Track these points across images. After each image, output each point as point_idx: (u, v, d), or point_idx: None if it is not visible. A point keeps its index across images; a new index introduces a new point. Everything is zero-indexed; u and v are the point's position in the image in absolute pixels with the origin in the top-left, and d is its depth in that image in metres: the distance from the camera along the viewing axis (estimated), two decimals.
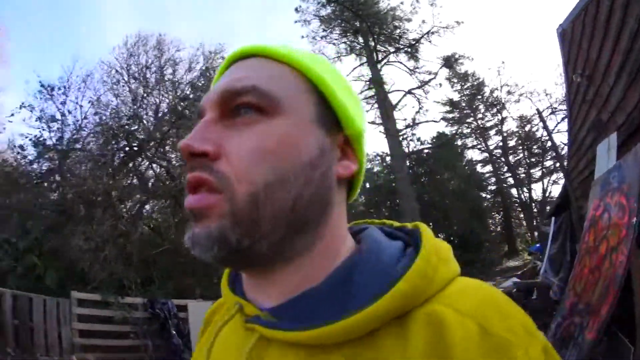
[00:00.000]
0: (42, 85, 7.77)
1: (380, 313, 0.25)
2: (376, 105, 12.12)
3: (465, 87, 18.13)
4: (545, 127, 6.65)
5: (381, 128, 11.51)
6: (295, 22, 12.54)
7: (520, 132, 16.40)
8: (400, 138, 11.96)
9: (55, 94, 7.95)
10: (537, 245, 7.48)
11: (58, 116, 7.83)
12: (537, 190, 16.02)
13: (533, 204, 15.13)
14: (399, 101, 12.18)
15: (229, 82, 0.29)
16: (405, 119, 12.59)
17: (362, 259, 0.29)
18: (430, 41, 12.35)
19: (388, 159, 13.04)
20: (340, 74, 0.34)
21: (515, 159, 17.51)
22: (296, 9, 12.53)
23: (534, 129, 15.60)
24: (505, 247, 15.97)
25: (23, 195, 6.19)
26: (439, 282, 0.27)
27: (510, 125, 17.71)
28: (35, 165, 6.96)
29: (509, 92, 16.02)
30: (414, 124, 12.47)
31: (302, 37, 12.86)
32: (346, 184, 0.34)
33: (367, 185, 14.20)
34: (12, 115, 7.07)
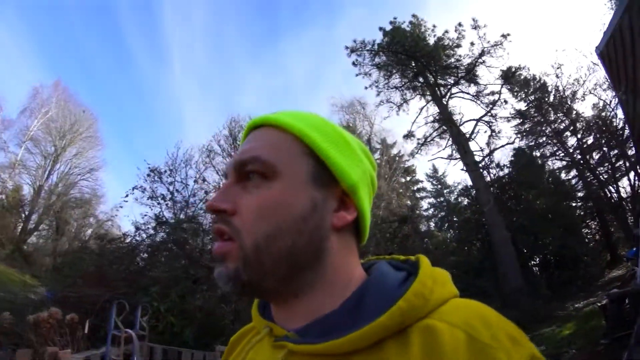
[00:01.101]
0: (151, 170, 9.26)
1: (383, 326, 0.33)
2: (450, 142, 12.40)
3: (530, 93, 17.47)
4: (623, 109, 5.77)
5: (460, 163, 11.76)
6: (357, 75, 13.53)
7: (594, 124, 15.15)
8: (480, 169, 12.03)
9: (164, 176, 9.45)
10: (633, 249, 7.13)
11: (167, 194, 9.30)
12: (626, 188, 14.60)
13: (623, 203, 13.80)
14: (472, 132, 12.53)
15: (241, 154, 0.41)
16: (481, 149, 12.69)
17: (371, 286, 0.38)
18: (484, 62, 12.49)
19: (472, 191, 13.10)
20: (337, 130, 0.43)
21: (598, 155, 16.21)
22: (353, 63, 13.59)
23: (608, 118, 14.36)
24: (608, 257, 14.72)
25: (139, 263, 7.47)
26: (435, 301, 0.35)
27: (584, 123, 16.52)
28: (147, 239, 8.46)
29: (573, 93, 15.15)
30: (490, 153, 12.51)
31: (366, 88, 13.78)
32: (351, 229, 0.42)
33: (455, 219, 14.40)
34: (127, 196, 8.89)
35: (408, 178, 19.99)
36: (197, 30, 42.66)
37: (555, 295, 10.61)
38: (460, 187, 16.77)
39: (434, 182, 20.57)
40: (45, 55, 38.54)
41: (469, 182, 13.55)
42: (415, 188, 20.47)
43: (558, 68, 16.24)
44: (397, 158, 17.12)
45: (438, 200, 20.21)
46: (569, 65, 26.91)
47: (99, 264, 6.19)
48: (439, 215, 18.45)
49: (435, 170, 20.02)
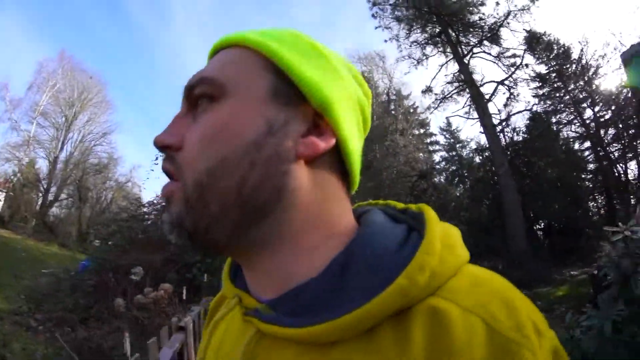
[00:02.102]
0: None
1: (377, 311, 0.26)
2: (469, 101, 12.38)
3: (552, 56, 16.99)
4: None
5: (475, 122, 11.83)
6: (376, 28, 13.17)
7: (614, 101, 15.06)
8: (497, 132, 12.13)
9: None
10: None
11: None
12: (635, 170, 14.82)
13: (630, 183, 14.14)
14: (492, 94, 12.37)
15: (189, 79, 0.34)
16: (499, 111, 12.68)
17: (360, 247, 0.30)
18: (508, 24, 12.24)
19: (487, 151, 13.30)
20: (312, 42, 0.35)
21: (613, 132, 16.20)
22: (373, 15, 13.20)
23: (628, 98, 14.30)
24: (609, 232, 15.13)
25: None
26: (444, 275, 0.28)
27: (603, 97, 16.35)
28: None
29: (597, 66, 14.89)
30: (508, 117, 12.57)
31: (385, 41, 13.49)
32: (331, 164, 0.33)
33: (466, 174, 14.72)
34: (157, 158, 8.73)
35: (422, 130, 19.97)
36: None
37: (555, 261, 11.19)
38: (473, 143, 17.12)
39: (447, 136, 20.39)
40: (45, 28, 37.83)
41: (483, 140, 13.71)
42: (428, 141, 20.42)
43: (585, 44, 15.81)
44: (411, 110, 17.12)
45: (450, 154, 20.04)
46: (596, 41, 26.14)
47: (144, 229, 6.41)
48: (451, 169, 18.46)
49: (449, 124, 19.71)
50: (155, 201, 8.09)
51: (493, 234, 11.79)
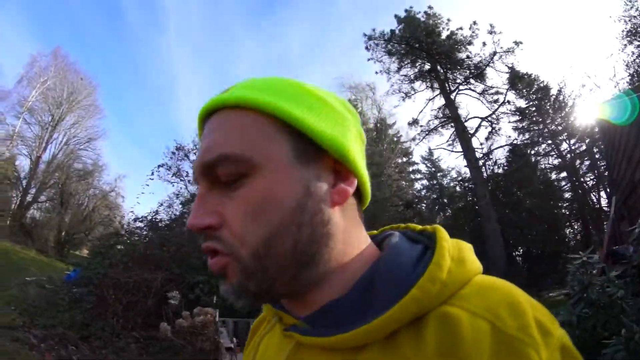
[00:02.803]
0: (177, 148, 9.55)
1: (395, 318, 0.30)
2: (454, 135, 13.24)
3: (532, 92, 18.27)
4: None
5: (456, 153, 12.67)
6: (368, 60, 14.06)
7: (588, 134, 16.27)
8: (480, 165, 13.01)
9: (191, 154, 9.72)
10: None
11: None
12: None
13: (603, 210, 15.22)
14: (476, 130, 13.32)
15: (202, 155, 0.34)
16: (482, 145, 13.58)
17: (382, 267, 0.34)
18: (494, 64, 13.27)
19: (469, 183, 14.10)
20: (308, 89, 0.37)
21: (588, 162, 17.37)
22: (366, 48, 14.05)
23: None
24: None
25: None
26: (454, 285, 0.31)
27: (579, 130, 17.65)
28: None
29: (573, 102, 16.22)
30: (490, 152, 13.47)
31: (376, 72, 14.35)
32: (353, 197, 0.37)
33: (446, 201, 15.38)
34: (152, 173, 9.41)
35: (405, 159, 20.73)
36: None
37: (534, 284, 11.85)
38: (454, 172, 18.19)
39: (428, 165, 21.36)
40: (41, 23, 36.84)
41: (464, 170, 14.54)
42: (410, 169, 21.19)
43: (562, 85, 17.18)
44: (394, 139, 17.89)
45: (431, 182, 21.09)
46: (573, 82, 28.51)
47: (147, 246, 6.36)
48: (431, 198, 19.50)
49: (431, 153, 20.66)
50: (149, 217, 8.14)
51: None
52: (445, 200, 18.17)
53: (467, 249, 0.35)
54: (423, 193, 19.99)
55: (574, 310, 2.54)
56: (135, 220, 8.04)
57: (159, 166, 9.17)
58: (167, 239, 6.51)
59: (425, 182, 21.14)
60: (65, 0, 35.55)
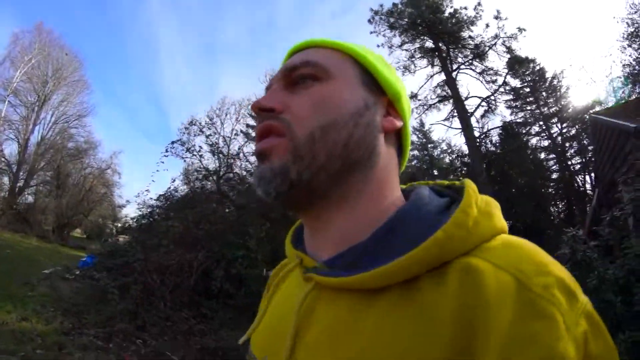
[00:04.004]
0: (190, 122, 9.50)
1: (417, 259, 0.30)
2: (453, 111, 13.70)
3: (527, 73, 18.63)
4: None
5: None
6: (371, 32, 14.06)
7: (579, 119, 17.08)
8: (477, 144, 13.60)
9: (205, 129, 9.66)
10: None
11: (205, 147, 9.61)
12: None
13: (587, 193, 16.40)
14: (476, 109, 13.75)
15: (288, 62, 0.41)
16: (478, 122, 14.13)
17: (406, 212, 0.35)
18: (495, 50, 13.56)
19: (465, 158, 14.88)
20: (379, 55, 0.44)
21: (577, 146, 18.31)
22: (369, 21, 14.00)
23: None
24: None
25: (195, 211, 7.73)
26: (479, 235, 0.31)
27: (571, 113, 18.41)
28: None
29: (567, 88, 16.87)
30: (488, 131, 14.04)
31: (378, 45, 14.39)
32: (394, 142, 0.42)
33: (435, 173, 16.21)
34: (167, 151, 8.90)
35: None
36: None
37: None
38: (444, 144, 18.87)
39: (419, 136, 21.86)
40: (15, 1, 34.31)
41: (455, 143, 15.00)
42: None
43: (561, 75, 17.29)
44: None
45: (422, 153, 21.69)
46: (570, 72, 29.20)
47: (184, 225, 6.12)
48: (422, 168, 20.05)
49: (422, 124, 21.12)
50: (168, 194, 7.95)
51: None
52: (435, 172, 18.82)
53: (496, 206, 0.36)
54: (414, 163, 20.46)
55: (567, 266, 3.61)
56: (158, 197, 7.94)
57: (172, 142, 9.06)
58: (204, 216, 6.42)
59: (416, 152, 21.70)
60: None
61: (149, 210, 8.02)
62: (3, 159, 20.78)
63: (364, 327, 0.31)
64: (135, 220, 8.47)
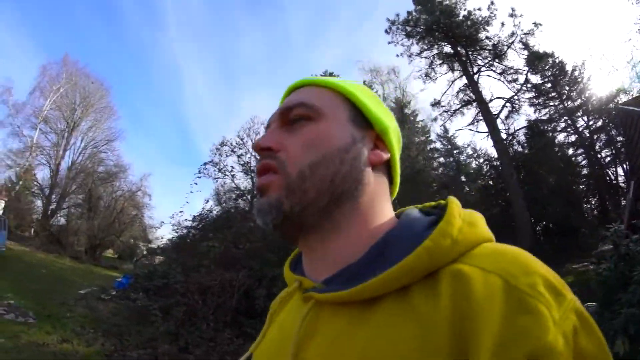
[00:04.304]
0: (222, 144, 9.59)
1: (408, 267, 0.32)
2: (479, 115, 13.43)
3: (547, 68, 18.13)
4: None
5: (489, 140, 12.95)
6: (389, 43, 14.10)
7: (605, 109, 16.36)
8: (506, 145, 13.27)
9: (237, 149, 9.74)
10: None
11: (237, 167, 9.59)
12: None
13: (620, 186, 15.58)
14: (500, 111, 13.43)
15: (285, 102, 0.46)
16: (505, 124, 13.79)
17: (397, 231, 0.38)
18: (514, 49, 13.40)
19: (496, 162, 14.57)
20: (367, 89, 0.49)
21: (605, 138, 17.51)
22: (386, 31, 14.05)
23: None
24: (604, 232, 16.62)
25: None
26: (465, 243, 0.33)
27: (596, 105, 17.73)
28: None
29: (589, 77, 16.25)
30: (515, 132, 13.76)
31: (397, 55, 14.36)
32: (384, 171, 0.46)
33: (463, 179, 15.93)
34: (200, 172, 9.14)
35: (422, 138, 20.84)
36: None
37: (556, 256, 12.44)
38: (469, 149, 18.53)
39: (444, 142, 21.46)
40: (41, 36, 37.34)
41: (481, 147, 14.67)
42: (429, 148, 21.18)
43: (582, 67, 16.90)
44: (411, 118, 18.18)
45: (448, 160, 21.19)
46: (591, 62, 28.37)
47: (224, 245, 6.22)
48: (450, 174, 19.64)
49: (446, 130, 20.72)
50: (203, 214, 8.06)
51: (504, 235, 12.91)
52: (463, 178, 18.53)
53: (479, 216, 0.38)
54: (440, 170, 20.12)
55: (611, 261, 3.53)
56: (193, 219, 8.08)
57: (205, 163, 9.30)
58: (242, 235, 6.49)
59: (442, 159, 21.33)
60: (64, 10, 35.94)
61: (184, 231, 8.18)
62: (36, 183, 22.16)
63: (362, 337, 0.32)
64: (172, 240, 8.60)
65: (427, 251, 0.32)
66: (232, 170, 9.38)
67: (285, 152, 0.41)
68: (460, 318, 0.29)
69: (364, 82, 17.17)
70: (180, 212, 9.71)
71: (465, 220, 0.35)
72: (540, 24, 14.11)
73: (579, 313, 0.29)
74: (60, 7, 35.93)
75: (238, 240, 6.43)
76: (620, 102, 15.68)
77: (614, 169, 17.12)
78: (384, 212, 0.42)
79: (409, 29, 14.73)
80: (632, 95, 14.96)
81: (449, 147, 21.41)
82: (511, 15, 13.98)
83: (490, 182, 16.11)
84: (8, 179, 21.01)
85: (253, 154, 10.41)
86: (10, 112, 21.40)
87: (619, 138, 15.97)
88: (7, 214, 16.20)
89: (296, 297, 0.43)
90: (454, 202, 0.38)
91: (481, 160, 17.75)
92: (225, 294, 5.52)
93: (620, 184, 16.07)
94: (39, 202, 22.67)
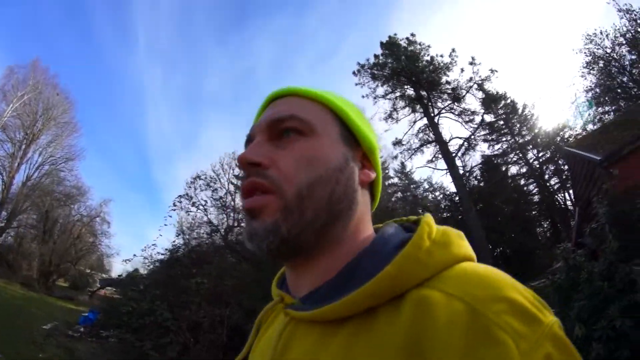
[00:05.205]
0: (196, 177, 9.92)
1: (369, 293, 0.33)
2: (437, 153, 14.97)
3: (500, 107, 20.36)
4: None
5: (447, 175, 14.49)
6: (356, 84, 15.56)
7: (552, 142, 18.70)
8: (463, 181, 14.88)
9: (212, 184, 10.11)
10: None
11: (210, 202, 9.93)
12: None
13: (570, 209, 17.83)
14: (458, 150, 15.10)
15: (275, 113, 0.43)
16: (461, 161, 15.59)
17: (370, 249, 0.39)
18: (472, 94, 16.32)
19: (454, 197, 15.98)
20: (354, 105, 0.48)
21: (553, 167, 19.82)
22: (354, 73, 15.42)
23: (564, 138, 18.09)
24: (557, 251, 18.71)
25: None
26: (433, 265, 0.33)
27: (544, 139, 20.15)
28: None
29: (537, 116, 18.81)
30: (471, 169, 15.55)
31: (363, 96, 15.87)
32: (368, 189, 0.46)
33: (420, 212, 17.45)
34: (175, 204, 9.32)
35: (382, 174, 21.70)
36: (163, 11, 42.62)
37: (515, 279, 13.88)
38: (425, 183, 20.46)
39: (402, 178, 22.87)
40: (10, 40, 35.23)
41: (437, 180, 16.47)
42: (387, 183, 22.60)
43: (531, 107, 19.43)
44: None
45: (405, 194, 22.49)
46: (540, 103, 32.17)
47: (211, 282, 6.28)
48: (406, 209, 20.86)
49: (403, 166, 22.08)
50: (177, 245, 8.14)
51: None
52: (420, 211, 19.50)
53: (456, 235, 0.37)
54: (398, 205, 21.38)
55: (563, 271, 4.66)
56: (172, 251, 8.19)
57: (180, 196, 9.47)
58: (224, 270, 6.68)
59: (400, 194, 22.71)
60: (37, 18, 34.44)
61: (157, 264, 8.22)
62: None
63: (325, 356, 0.33)
64: (145, 274, 8.60)
65: (389, 276, 0.32)
66: (205, 205, 9.60)
67: (277, 169, 0.40)
68: (418, 344, 0.28)
69: None
70: (153, 244, 9.70)
71: (436, 242, 0.35)
72: (496, 70, 16.20)
73: (556, 338, 0.27)
74: (33, 10, 34.54)
75: (224, 275, 6.58)
76: (565, 136, 18.32)
77: (562, 195, 19.42)
78: (367, 229, 0.44)
79: (375, 72, 16.20)
80: (575, 131, 17.54)
81: (406, 182, 23.09)
82: (471, 64, 15.96)
83: (449, 214, 17.60)
84: None
85: (228, 189, 10.65)
86: None
87: (566, 167, 18.27)
88: None
89: (279, 311, 0.44)
90: (425, 222, 0.37)
91: (437, 193, 19.55)
92: (216, 331, 5.64)
93: (569, 207, 18.24)
94: None
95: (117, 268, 27.09)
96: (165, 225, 9.12)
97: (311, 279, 0.40)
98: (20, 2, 34.00)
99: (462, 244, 0.37)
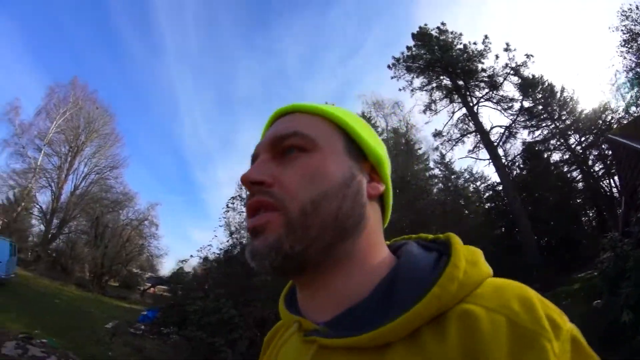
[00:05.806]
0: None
1: (418, 315, 0.33)
2: (479, 143, 14.56)
3: (537, 91, 19.53)
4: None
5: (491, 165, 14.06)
6: (392, 77, 15.32)
7: (595, 125, 17.71)
8: (507, 170, 14.42)
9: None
10: None
11: None
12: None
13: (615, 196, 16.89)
14: (500, 139, 14.69)
15: (277, 131, 0.43)
16: (504, 150, 15.01)
17: (402, 271, 0.38)
18: (509, 80, 15.68)
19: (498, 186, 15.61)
20: (359, 118, 0.48)
21: (597, 152, 18.81)
22: (389, 66, 15.25)
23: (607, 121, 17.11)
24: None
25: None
26: (470, 284, 0.35)
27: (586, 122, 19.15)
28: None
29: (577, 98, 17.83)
30: (514, 158, 15.00)
31: (400, 89, 15.56)
32: (378, 203, 0.45)
33: (462, 203, 17.19)
34: (227, 206, 9.79)
35: (421, 166, 21.80)
36: (188, 19, 43.61)
37: (562, 269, 13.43)
38: (466, 173, 19.76)
39: (441, 169, 22.26)
40: (35, 58, 37.69)
41: (477, 169, 15.78)
42: (427, 175, 21.98)
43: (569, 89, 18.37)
44: (415, 147, 19.09)
45: (446, 185, 21.92)
46: (579, 83, 30.65)
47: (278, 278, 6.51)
48: (448, 200, 20.61)
49: (443, 157, 21.47)
50: (231, 245, 8.50)
51: (511, 252, 14.04)
52: (462, 202, 19.41)
53: (479, 253, 0.39)
54: (439, 196, 21.06)
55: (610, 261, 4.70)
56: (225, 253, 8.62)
57: (232, 198, 9.82)
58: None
59: (441, 185, 22.41)
60: (65, 32, 36.91)
61: (214, 264, 8.66)
62: (37, 206, 21.90)
63: None
64: (201, 274, 9.05)
65: (437, 298, 0.33)
66: None
67: (281, 187, 0.40)
68: (469, 355, 0.30)
69: (363, 113, 18.08)
70: (209, 245, 10.19)
71: (468, 261, 0.37)
72: (532, 55, 15.64)
73: (575, 340, 0.32)
74: (62, 29, 37.01)
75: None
76: (608, 119, 17.22)
77: (607, 181, 18.35)
78: (382, 246, 0.43)
79: (410, 64, 16.06)
80: (617, 114, 16.48)
81: (447, 172, 22.55)
82: (506, 50, 15.48)
83: (493, 204, 17.24)
84: (7, 200, 20.78)
85: None
86: (16, 131, 21.56)
87: (609, 152, 17.23)
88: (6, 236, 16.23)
89: (295, 339, 0.41)
90: (457, 242, 0.39)
91: (478, 183, 19.02)
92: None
93: (615, 194, 17.24)
94: (35, 224, 22.40)
95: (166, 267, 28.54)
96: (220, 226, 9.47)
97: (331, 300, 0.39)
98: (51, 27, 36.33)
99: (485, 262, 0.39)
